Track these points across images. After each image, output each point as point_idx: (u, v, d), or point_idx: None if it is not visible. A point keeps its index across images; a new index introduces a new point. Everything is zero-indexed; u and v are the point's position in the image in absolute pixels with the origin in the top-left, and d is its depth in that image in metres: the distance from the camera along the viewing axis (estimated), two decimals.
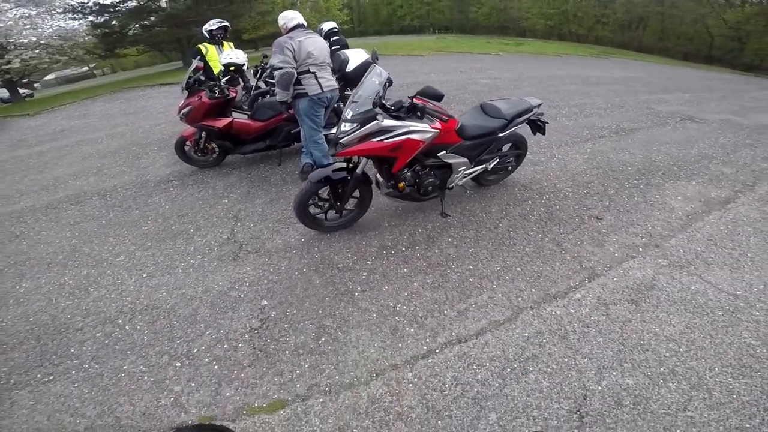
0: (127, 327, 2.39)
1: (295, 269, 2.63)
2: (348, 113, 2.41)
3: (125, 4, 17.04)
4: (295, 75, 3.13)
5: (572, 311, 2.07)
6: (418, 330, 2.07)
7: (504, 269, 2.42)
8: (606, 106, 6.17)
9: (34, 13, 16.10)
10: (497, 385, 1.72)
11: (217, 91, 3.93)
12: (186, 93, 4.17)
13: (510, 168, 3.30)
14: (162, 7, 17.18)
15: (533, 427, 1.54)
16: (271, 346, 2.09)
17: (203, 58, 4.85)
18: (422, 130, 2.48)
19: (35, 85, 19.46)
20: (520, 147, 3.22)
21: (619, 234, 2.72)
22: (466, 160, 2.81)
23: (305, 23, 3.31)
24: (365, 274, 2.51)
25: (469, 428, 1.57)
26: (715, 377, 1.69)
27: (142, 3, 16.89)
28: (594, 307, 2.09)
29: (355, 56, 4.29)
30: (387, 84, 2.47)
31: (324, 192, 2.76)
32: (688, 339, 1.88)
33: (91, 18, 16.98)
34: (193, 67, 4.55)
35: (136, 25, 17.46)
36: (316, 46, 3.21)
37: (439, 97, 2.35)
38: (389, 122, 2.41)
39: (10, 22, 15.57)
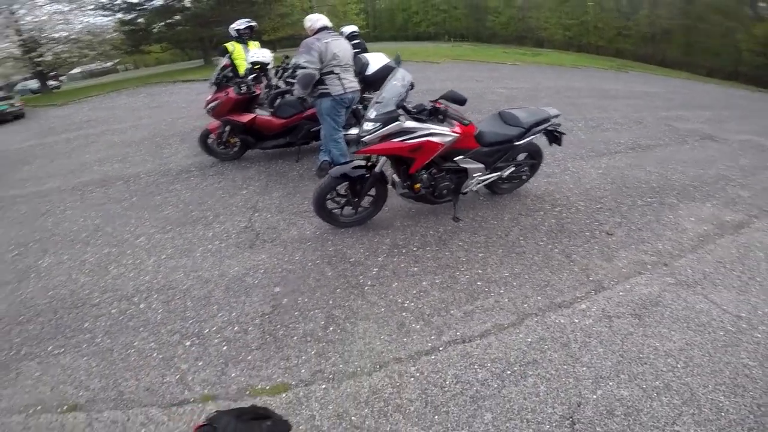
0: (142, 305, 2.47)
1: (309, 260, 2.71)
2: (371, 113, 2.49)
3: (152, 3, 17.58)
4: (317, 76, 3.24)
5: (576, 321, 2.09)
6: (424, 327, 2.11)
7: (512, 276, 2.46)
8: (623, 121, 6.15)
9: (66, 9, 16.81)
10: (496, 386, 1.74)
11: (243, 88, 4.08)
12: (214, 88, 4.35)
13: (524, 177, 3.35)
14: (186, 6, 17.68)
15: (526, 430, 1.56)
16: (281, 332, 2.15)
17: (230, 56, 5.04)
18: (442, 133, 2.55)
19: (61, 78, 20.18)
20: (535, 157, 3.26)
21: (628, 250, 2.73)
22: (482, 166, 2.88)
23: (330, 25, 3.44)
24: (376, 269, 2.57)
25: (464, 425, 1.59)
26: (707, 394, 1.69)
27: (167, 2, 17.40)
28: (597, 319, 2.10)
29: (376, 60, 4.41)
30: (410, 87, 2.56)
31: (342, 188, 2.84)
32: (686, 356, 1.88)
33: (119, 15, 17.58)
34: (222, 64, 4.74)
35: (161, 24, 18.01)
36: (342, 48, 3.33)
37: (462, 101, 2.42)
38: (411, 123, 2.49)
39: (44, 17, 16.31)
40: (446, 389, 1.74)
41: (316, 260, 2.70)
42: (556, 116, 3.11)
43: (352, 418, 1.67)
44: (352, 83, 3.45)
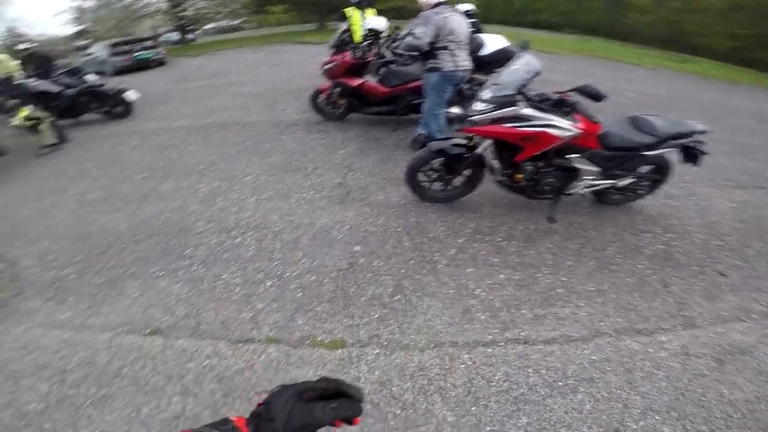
0: (237, 239, 2.77)
1: (390, 226, 2.78)
2: (486, 94, 2.41)
3: None
4: (424, 48, 3.22)
5: (650, 350, 1.90)
6: (490, 319, 2.05)
7: (597, 291, 2.26)
8: None
9: None
10: (543, 393, 1.68)
11: (359, 53, 4.25)
12: (332, 51, 4.58)
13: (640, 192, 2.97)
14: None
15: None
16: (351, 290, 2.25)
17: (348, 22, 5.22)
18: (563, 127, 2.37)
19: (197, 32, 22.92)
20: (661, 172, 2.85)
21: (737, 295, 2.32)
22: (597, 169, 2.61)
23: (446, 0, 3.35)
24: (454, 250, 2.54)
25: (497, 423, 1.57)
26: None
27: None
28: (674, 354, 1.90)
29: (493, 42, 4.24)
30: (535, 74, 2.39)
31: (437, 163, 2.83)
32: (749, 408, 1.64)
33: None
34: (343, 28, 4.95)
35: None
36: (459, 24, 3.25)
37: (598, 97, 2.21)
38: (528, 111, 2.35)
39: None
40: (493, 384, 1.72)
41: (397, 228, 2.76)
42: (702, 132, 2.65)
43: (393, 388, 1.71)
44: (464, 61, 3.36)
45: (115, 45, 12.03)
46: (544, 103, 2.37)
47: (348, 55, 4.28)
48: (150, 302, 2.29)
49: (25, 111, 4.67)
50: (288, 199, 3.21)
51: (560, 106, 2.34)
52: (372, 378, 1.74)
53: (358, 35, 4.95)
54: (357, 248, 2.59)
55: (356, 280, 2.32)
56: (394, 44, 4.64)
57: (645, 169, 2.83)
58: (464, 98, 3.75)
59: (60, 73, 5.82)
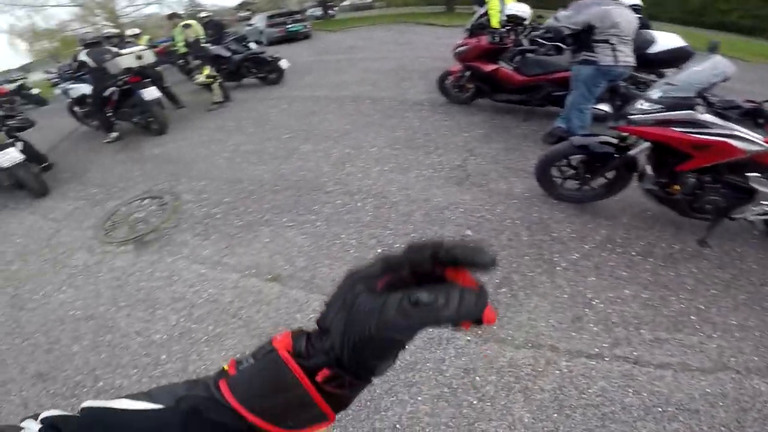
0: (359, 204, 3.00)
1: (509, 217, 2.70)
2: (654, 93, 2.15)
3: None
4: (563, 33, 3.09)
5: None
6: (602, 332, 1.90)
7: (739, 326, 1.93)
8: None
9: None
10: (636, 416, 1.57)
11: (497, 38, 4.11)
12: (467, 34, 4.49)
13: None
14: None
15: None
16: None
17: (486, 6, 5.06)
18: (750, 139, 1.99)
19: (336, 8, 24.38)
20: None
21: None
22: None
23: None
24: (577, 255, 2.37)
25: None
26: None
27: None
28: None
29: (666, 40, 3.76)
30: (722, 80, 2.07)
31: (575, 160, 2.62)
32: None
33: None
34: (481, 12, 4.82)
35: None
36: (625, 18, 2.97)
37: None
38: (709, 117, 2.03)
39: None
40: (584, 396, 1.63)
41: (516, 220, 2.67)
42: None
43: (477, 378, 1.70)
44: (627, 57, 3.05)
45: (271, 17, 13.59)
46: (730, 111, 2.02)
47: (484, 40, 4.16)
48: (277, 249, 2.55)
49: (207, 70, 5.71)
50: (407, 173, 3.35)
51: (753, 116, 1.98)
52: (457, 363, 1.76)
53: (495, 20, 4.80)
54: (468, 232, 2.60)
55: None
56: (534, 33, 4.36)
57: None
58: (618, 96, 3.43)
59: (229, 40, 6.89)
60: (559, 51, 4.16)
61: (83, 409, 0.30)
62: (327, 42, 12.05)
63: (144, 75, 4.89)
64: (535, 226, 2.62)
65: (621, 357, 1.79)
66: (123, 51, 4.95)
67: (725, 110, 2.02)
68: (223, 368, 0.32)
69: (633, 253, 2.38)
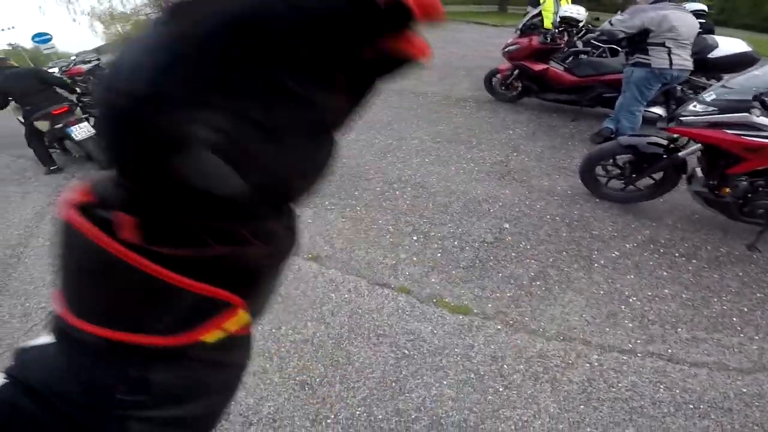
0: (397, 192, 3.10)
1: (548, 213, 2.74)
2: (709, 96, 2.16)
3: None
4: (618, 36, 3.13)
5: None
6: (636, 328, 1.90)
7: None
8: None
9: None
10: (666, 411, 1.56)
11: (548, 38, 4.12)
12: (518, 33, 4.50)
13: None
14: None
15: None
16: (490, 263, 2.33)
17: (541, 7, 5.03)
18: None
19: None
20: None
21: None
22: None
23: None
24: (617, 253, 2.37)
25: (601, 427, 1.50)
26: None
27: None
28: None
29: (730, 45, 3.67)
30: None
31: (622, 160, 2.62)
32: None
33: None
34: (534, 12, 4.80)
35: None
36: (685, 22, 2.96)
37: None
38: (765, 120, 2.00)
39: None
40: (613, 390, 1.63)
41: (556, 216, 2.70)
42: None
43: (505, 366, 1.72)
44: (684, 61, 3.02)
45: None
46: None
47: (535, 39, 4.17)
48: (317, 231, 2.64)
49: None
50: (447, 166, 3.44)
51: None
52: (486, 351, 1.79)
53: (549, 21, 4.78)
54: (506, 225, 2.65)
55: (497, 255, 2.38)
56: (589, 35, 4.31)
57: None
58: (674, 100, 3.36)
59: None
60: (613, 53, 4.10)
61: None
62: None
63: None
64: (576, 223, 2.63)
65: (655, 354, 1.79)
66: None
67: None
68: None
69: (676, 255, 2.36)
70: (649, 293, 2.11)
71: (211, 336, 0.21)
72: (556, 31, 4.26)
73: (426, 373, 1.71)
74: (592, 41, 4.69)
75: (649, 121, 3.38)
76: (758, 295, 2.10)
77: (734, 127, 2.05)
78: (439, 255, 2.41)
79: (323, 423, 1.54)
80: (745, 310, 2.01)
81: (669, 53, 2.96)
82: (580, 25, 4.50)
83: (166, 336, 0.20)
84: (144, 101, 0.15)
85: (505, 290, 2.14)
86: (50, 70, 5.69)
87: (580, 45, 4.65)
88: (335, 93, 0.19)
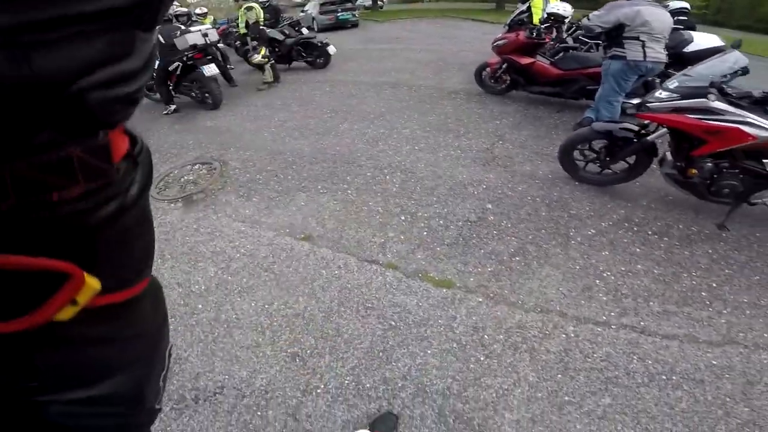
0: (387, 177, 3.23)
1: (529, 195, 2.87)
2: (672, 84, 2.31)
3: None
4: (596, 31, 3.27)
5: None
6: (610, 301, 2.00)
7: (751, 305, 1.98)
8: None
9: None
10: (639, 381, 1.62)
11: (534, 33, 4.28)
12: (506, 29, 4.65)
13: None
14: None
15: (631, 428, 1.46)
16: (473, 240, 2.45)
17: (529, 4, 5.17)
18: (763, 126, 2.08)
19: None
20: None
21: None
22: None
23: None
24: (593, 231, 2.50)
25: (578, 396, 1.56)
26: None
27: None
28: None
29: (704, 40, 3.88)
30: (739, 73, 2.21)
31: (598, 144, 2.76)
32: None
33: None
34: (521, 9, 4.95)
35: None
36: (657, 17, 3.11)
37: None
38: (720, 105, 2.15)
39: None
40: (589, 360, 1.70)
41: (536, 198, 2.83)
42: None
43: (486, 336, 1.80)
44: (657, 54, 3.17)
45: (323, 4, 13.98)
46: (743, 100, 2.14)
47: (522, 34, 4.33)
48: (310, 212, 2.78)
49: (264, 50, 6.14)
50: (436, 153, 3.57)
51: (762, 104, 2.09)
52: (468, 322, 1.88)
53: (537, 17, 4.92)
54: (489, 206, 2.78)
55: (480, 233, 2.50)
56: (578, 32, 4.46)
57: None
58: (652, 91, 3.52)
59: (284, 25, 7.32)
60: (597, 47, 4.25)
61: None
62: (373, 32, 12.38)
63: (206, 52, 5.37)
64: (555, 203, 2.76)
65: (628, 326, 1.88)
66: (192, 29, 5.44)
67: (739, 99, 2.13)
68: None
69: (649, 233, 2.48)
70: (623, 268, 2.22)
71: (65, 313, 0.20)
72: (543, 27, 4.41)
73: (411, 343, 1.79)
74: (580, 37, 4.85)
75: (627, 112, 3.53)
76: (726, 271, 2.21)
77: (695, 111, 2.19)
78: (425, 233, 2.53)
79: (314, 393, 1.60)
80: (714, 285, 2.11)
81: (643, 46, 3.10)
82: (566, 21, 4.64)
83: (7, 322, 0.19)
84: None
85: (487, 265, 2.24)
86: None
87: (570, 41, 4.80)
88: None
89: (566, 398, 1.56)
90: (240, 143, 4.24)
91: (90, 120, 0.20)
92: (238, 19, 7.05)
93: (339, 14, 13.70)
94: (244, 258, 2.38)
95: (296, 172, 3.45)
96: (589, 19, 3.29)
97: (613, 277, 2.15)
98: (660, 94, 2.30)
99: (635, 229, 2.52)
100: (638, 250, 2.35)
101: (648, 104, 2.32)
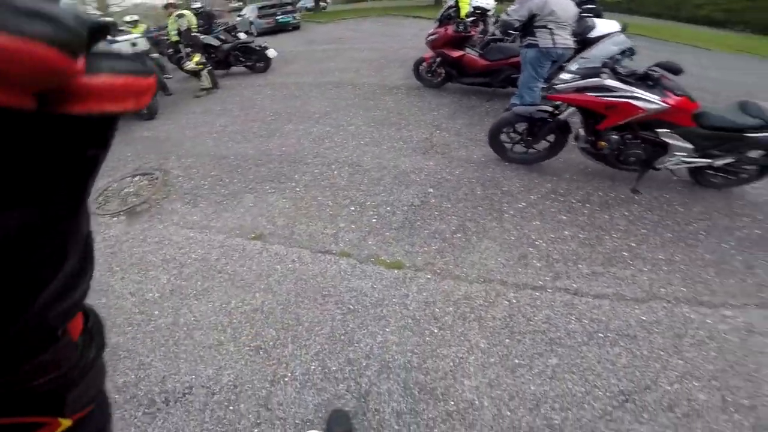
0: (335, 171, 3.32)
1: (466, 177, 3.08)
2: (573, 66, 2.58)
3: None
4: (514, 25, 3.48)
5: (709, 321, 1.85)
6: (544, 267, 2.17)
7: (667, 261, 2.22)
8: None
9: None
10: (580, 341, 1.73)
11: (461, 27, 4.52)
12: (437, 24, 4.90)
13: (744, 176, 2.73)
14: None
15: (579, 386, 1.55)
16: (418, 222, 2.59)
17: None
18: (648, 99, 2.40)
19: (327, 0, 24.39)
20: None
21: None
22: (690, 146, 2.53)
23: None
24: (524, 204, 2.73)
25: (526, 357, 1.66)
26: None
27: None
28: (735, 328, 1.81)
29: (605, 26, 4.22)
30: (627, 53, 2.52)
31: (521, 127, 3.01)
32: None
33: None
34: (449, 4, 5.21)
35: None
36: (562, 6, 3.37)
37: (676, 71, 2.31)
38: (612, 82, 2.45)
39: None
40: (532, 323, 1.82)
41: (472, 179, 3.04)
42: None
43: (436, 309, 1.91)
44: (564, 40, 3.45)
45: (261, 8, 13.74)
46: (630, 77, 2.45)
47: (450, 29, 4.56)
48: (259, 212, 2.80)
49: (197, 57, 5.96)
50: (380, 146, 3.70)
51: (645, 79, 2.41)
52: (419, 298, 1.99)
53: (464, 11, 5.18)
54: (431, 190, 2.95)
55: (424, 215, 2.66)
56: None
57: (756, 154, 2.61)
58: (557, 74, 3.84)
59: (219, 30, 7.15)
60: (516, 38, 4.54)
61: None
62: (316, 33, 12.32)
63: None
64: (488, 183, 2.99)
65: (562, 288, 2.03)
66: (118, 38, 5.17)
67: (627, 77, 2.44)
68: None
69: (573, 201, 2.75)
70: (552, 235, 2.43)
71: None
72: (469, 20, 4.65)
73: (370, 324, 1.87)
74: (497, 32, 5.12)
75: None
76: (642, 231, 2.47)
77: (593, 90, 2.47)
78: (374, 221, 2.64)
79: (281, 382, 1.63)
80: (633, 245, 2.35)
81: (551, 34, 3.37)
82: (489, 14, 4.94)
83: None
84: None
85: (432, 244, 2.39)
86: None
87: (497, 33, 5.06)
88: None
89: (516, 361, 1.66)
90: (181, 151, 4.13)
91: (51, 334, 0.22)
92: (167, 26, 6.80)
93: (279, 17, 13.54)
94: (197, 263, 2.38)
95: (242, 175, 3.44)
96: (508, 15, 3.53)
97: (544, 245, 2.35)
98: (564, 76, 2.56)
99: (561, 199, 2.78)
100: (564, 217, 2.60)
101: (555, 86, 2.58)
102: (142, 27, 8.13)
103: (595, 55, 2.49)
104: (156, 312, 2.05)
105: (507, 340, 1.74)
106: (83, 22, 0.15)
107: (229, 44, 6.81)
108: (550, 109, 2.83)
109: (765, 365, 1.65)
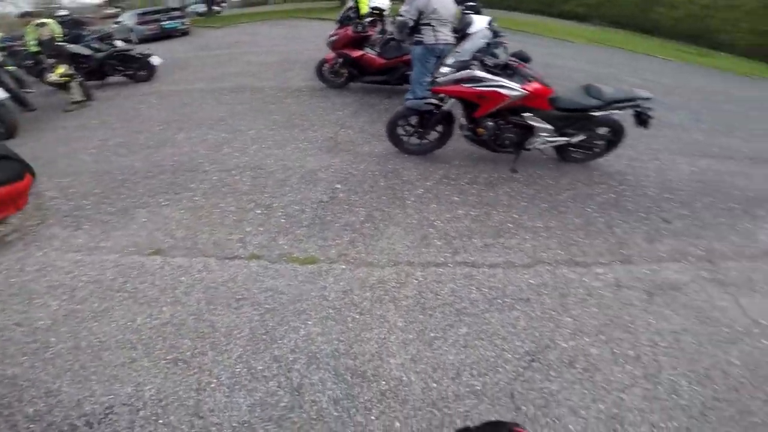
0: (236, 177, 3.20)
1: (370, 171, 3.20)
2: (449, 60, 2.86)
3: None
4: (409, 24, 3.65)
5: (585, 280, 2.09)
6: (444, 245, 2.36)
7: (545, 228, 2.55)
8: (763, 132, 5.18)
9: None
10: (482, 308, 1.89)
11: (359, 28, 4.68)
12: (337, 25, 4.99)
13: (597, 150, 3.30)
14: None
15: (489, 351, 1.68)
16: (328, 217, 2.65)
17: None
18: (511, 87, 2.76)
19: (223, 4, 23.13)
20: (615, 133, 3.19)
21: (678, 239, 2.52)
22: (550, 127, 2.97)
23: None
24: (422, 190, 2.94)
25: (440, 330, 1.78)
26: (672, 376, 1.62)
27: None
28: (607, 284, 2.08)
29: (479, 22, 4.61)
30: (492, 46, 2.85)
31: (414, 120, 3.23)
32: (675, 338, 1.79)
33: None
34: (348, 5, 5.34)
35: None
36: (443, 5, 3.66)
37: (525, 59, 2.75)
38: (481, 73, 2.77)
39: None
40: (440, 297, 1.96)
41: (375, 172, 3.18)
42: (646, 99, 2.98)
43: (354, 296, 1.99)
44: (445, 36, 3.72)
45: (142, 14, 12.63)
46: (496, 68, 2.78)
47: (350, 29, 4.69)
48: (155, 227, 2.63)
49: (61, 69, 5.21)
50: (284, 147, 3.65)
51: (505, 69, 2.76)
52: (337, 288, 2.05)
53: (363, 12, 5.33)
54: (338, 186, 3.01)
55: (333, 210, 2.71)
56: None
57: (602, 130, 3.16)
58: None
59: (91, 38, 6.36)
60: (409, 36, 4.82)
61: None
62: (208, 38, 11.55)
63: None
64: (390, 174, 3.15)
65: (461, 262, 2.20)
66: None
67: (494, 67, 2.77)
68: None
69: (463, 183, 3.04)
70: (448, 215, 2.66)
71: None
72: (366, 21, 4.82)
73: (291, 319, 1.87)
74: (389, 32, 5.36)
75: None
76: (522, 203, 2.82)
77: (467, 81, 2.77)
78: (283, 221, 2.62)
79: (208, 388, 1.58)
80: (516, 216, 2.66)
81: (434, 31, 3.63)
82: (385, 14, 5.16)
83: None
84: None
85: (343, 236, 2.46)
86: None
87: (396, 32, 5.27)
88: None
89: (432, 335, 1.76)
90: (54, 170, 3.61)
91: None
92: (25, 36, 5.87)
93: (164, 23, 12.51)
94: (90, 285, 2.19)
95: (130, 190, 3.13)
96: (402, 16, 3.69)
97: (442, 224, 2.57)
98: (443, 69, 2.82)
99: (453, 183, 3.05)
100: (457, 198, 2.86)
101: (436, 80, 2.82)
102: None
103: (467, 49, 2.79)
104: (53, 339, 1.88)
105: (420, 316, 1.86)
106: None
107: (103, 53, 6.11)
108: (435, 101, 3.08)
109: (637, 316, 1.89)
